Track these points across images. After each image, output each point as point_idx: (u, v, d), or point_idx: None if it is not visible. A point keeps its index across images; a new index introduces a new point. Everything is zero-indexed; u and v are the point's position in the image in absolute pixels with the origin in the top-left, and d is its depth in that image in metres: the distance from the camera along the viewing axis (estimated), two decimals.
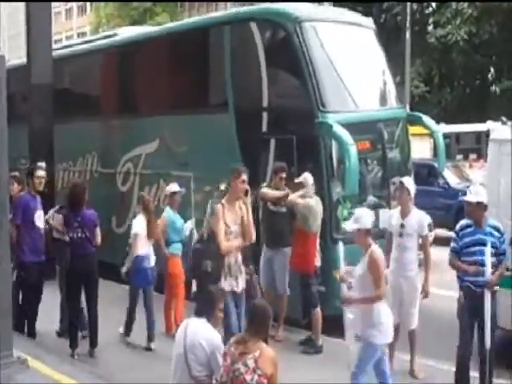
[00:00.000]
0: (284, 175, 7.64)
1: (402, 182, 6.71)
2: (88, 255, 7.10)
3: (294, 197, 7.30)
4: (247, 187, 6.14)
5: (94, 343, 7.13)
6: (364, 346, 5.31)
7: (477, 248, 5.59)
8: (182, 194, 8.16)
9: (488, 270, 5.44)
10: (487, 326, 5.47)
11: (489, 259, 5.43)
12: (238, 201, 6.22)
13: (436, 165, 14.56)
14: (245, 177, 6.10)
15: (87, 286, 7.15)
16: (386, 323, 5.30)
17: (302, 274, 7.40)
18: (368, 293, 5.28)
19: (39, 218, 7.42)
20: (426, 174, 14.88)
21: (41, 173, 7.62)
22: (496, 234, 5.68)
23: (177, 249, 7.84)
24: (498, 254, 5.63)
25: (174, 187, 8.08)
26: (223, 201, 6.20)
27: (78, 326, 7.23)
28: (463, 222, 5.81)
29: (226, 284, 6.07)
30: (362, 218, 5.44)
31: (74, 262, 7.08)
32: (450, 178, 15.22)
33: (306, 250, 7.28)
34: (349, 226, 5.55)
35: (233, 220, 6.14)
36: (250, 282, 6.52)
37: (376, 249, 5.38)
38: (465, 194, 6.06)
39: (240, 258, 6.23)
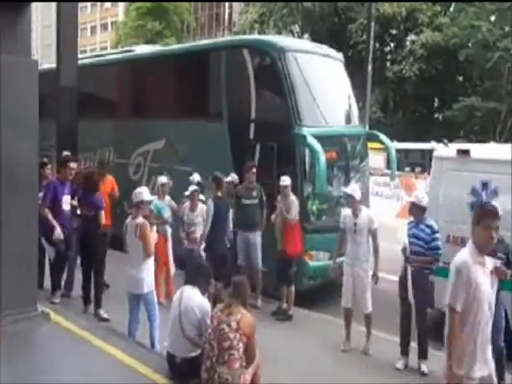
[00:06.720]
0: (254, 170, 7.83)
1: (345, 192, 6.59)
2: (92, 231, 7.00)
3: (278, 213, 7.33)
4: None
5: (98, 304, 6.87)
6: None
7: (411, 239, 5.83)
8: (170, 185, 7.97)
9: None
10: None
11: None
12: None
13: None
14: None
15: (94, 257, 7.02)
16: None
17: (287, 258, 7.32)
18: None
19: (66, 202, 7.21)
20: None
21: (73, 165, 7.45)
22: (427, 230, 5.82)
23: (163, 230, 7.52)
24: (428, 249, 5.78)
25: (162, 179, 7.92)
26: None
27: (89, 288, 6.98)
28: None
29: None
30: None
31: (83, 234, 7.06)
32: None
33: (293, 237, 7.32)
34: None
35: None
36: None
37: None
38: None
39: None
